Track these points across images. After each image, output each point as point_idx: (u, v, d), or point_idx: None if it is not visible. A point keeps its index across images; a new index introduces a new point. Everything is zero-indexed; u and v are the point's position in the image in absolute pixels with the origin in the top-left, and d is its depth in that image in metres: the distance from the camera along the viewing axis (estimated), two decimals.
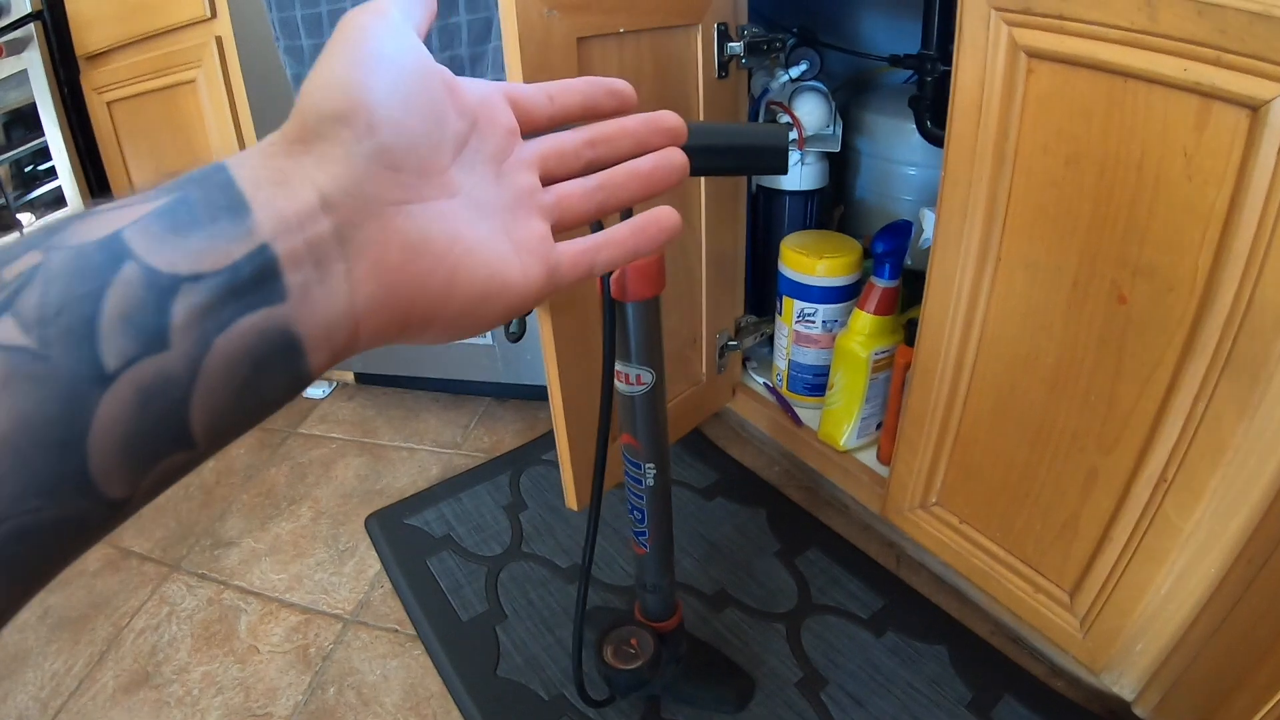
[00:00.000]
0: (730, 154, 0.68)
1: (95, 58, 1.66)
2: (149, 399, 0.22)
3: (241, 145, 1.57)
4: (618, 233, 0.38)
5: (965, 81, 0.87)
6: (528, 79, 0.89)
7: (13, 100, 1.73)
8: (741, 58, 1.18)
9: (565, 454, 1.15)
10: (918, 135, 1.29)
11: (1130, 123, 0.75)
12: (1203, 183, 0.71)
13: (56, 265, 0.22)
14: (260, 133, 1.52)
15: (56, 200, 1.80)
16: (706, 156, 0.69)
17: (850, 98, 1.50)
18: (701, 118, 1.17)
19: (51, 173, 1.76)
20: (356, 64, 0.27)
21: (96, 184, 1.79)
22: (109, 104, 1.68)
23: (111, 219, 0.23)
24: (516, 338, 0.96)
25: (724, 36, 1.15)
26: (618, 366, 0.82)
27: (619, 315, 0.78)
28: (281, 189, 0.25)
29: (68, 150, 1.71)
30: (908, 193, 1.46)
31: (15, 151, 1.81)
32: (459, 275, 0.30)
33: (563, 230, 0.36)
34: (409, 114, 0.28)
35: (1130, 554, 0.88)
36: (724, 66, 1.17)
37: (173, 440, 0.24)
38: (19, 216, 1.90)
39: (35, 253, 0.22)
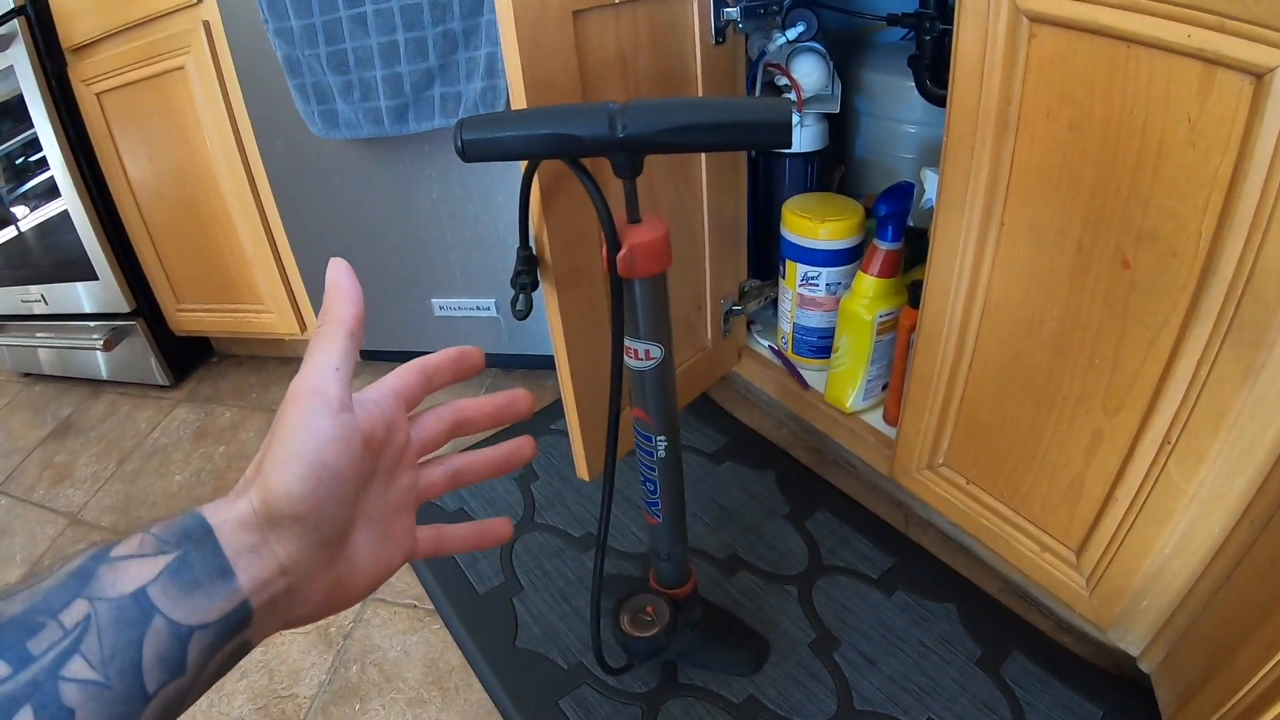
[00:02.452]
0: (731, 131, 0.68)
1: (81, 49, 1.64)
2: (169, 703, 0.34)
3: (236, 132, 1.56)
4: (463, 530, 0.50)
5: (966, 46, 0.87)
6: (524, 55, 0.88)
7: (1, 91, 1.71)
8: (738, 22, 1.16)
9: (575, 425, 1.16)
10: (917, 93, 1.28)
11: (1133, 88, 0.74)
12: (1206, 149, 0.70)
13: (104, 617, 0.32)
14: (254, 116, 1.51)
15: (49, 191, 1.78)
16: (707, 134, 0.69)
17: (848, 57, 1.49)
18: (700, 85, 1.16)
19: (43, 164, 1.75)
20: (306, 476, 0.37)
21: (90, 176, 1.77)
22: (98, 95, 1.66)
23: (134, 573, 0.34)
24: (523, 315, 0.96)
25: (720, 2, 1.14)
26: (626, 342, 0.83)
27: (626, 292, 0.79)
28: (255, 558, 0.36)
29: (59, 144, 1.69)
30: (909, 151, 1.45)
31: (5, 145, 1.80)
32: (358, 587, 0.43)
33: (418, 504, 0.47)
34: (341, 508, 0.39)
35: (1135, 514, 0.89)
36: (720, 32, 1.15)
37: (177, 717, 0.35)
38: (13, 209, 1.89)
39: (82, 602, 0.32)
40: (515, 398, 0.49)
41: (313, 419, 0.38)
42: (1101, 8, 0.73)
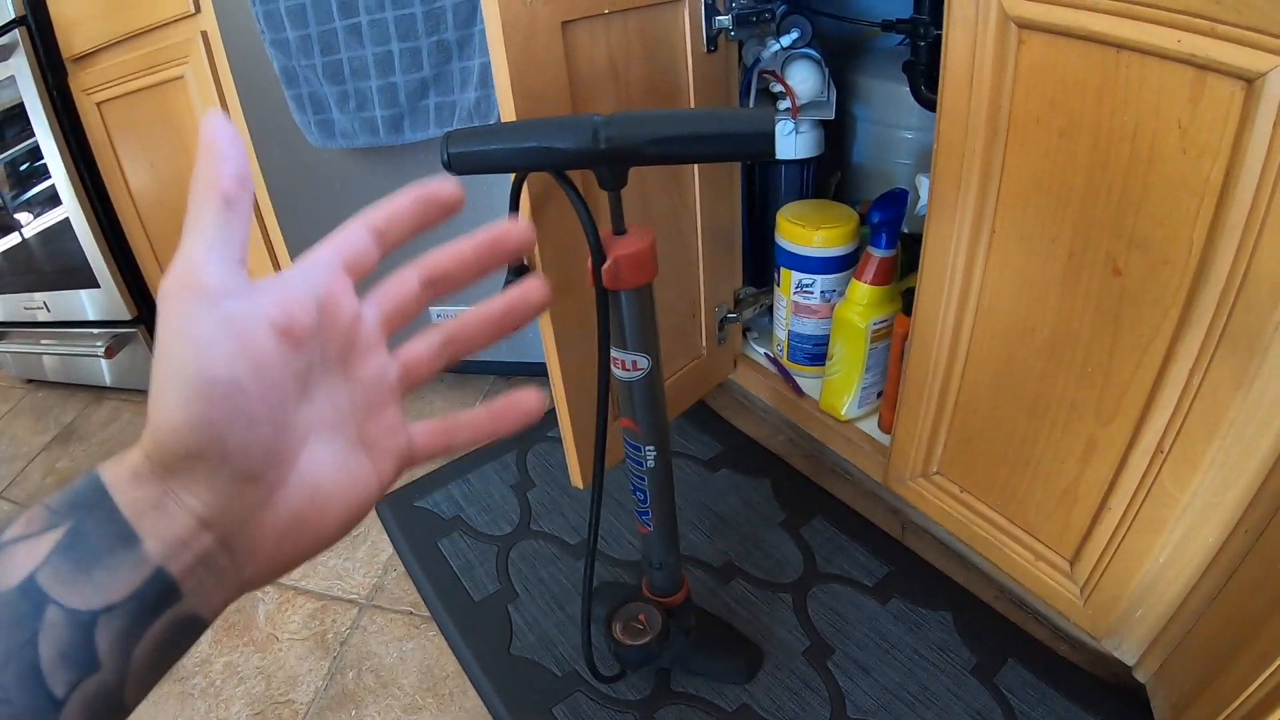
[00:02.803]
0: (715, 142, 0.68)
1: (82, 59, 1.65)
2: (92, 705, 0.27)
3: None
4: (476, 416, 0.38)
5: (956, 52, 0.86)
6: (514, 67, 0.89)
7: (1, 102, 1.72)
8: (730, 30, 1.16)
9: (568, 433, 1.16)
10: (913, 99, 1.28)
11: (1124, 94, 0.74)
12: (1197, 155, 0.70)
13: None
14: (252, 126, 1.51)
15: (51, 199, 1.79)
16: (689, 146, 0.69)
17: (844, 63, 1.49)
18: (692, 93, 1.16)
19: (45, 172, 1.76)
20: (189, 398, 0.28)
21: (91, 184, 1.78)
22: (99, 104, 1.67)
23: (20, 559, 0.27)
24: None
25: (711, 10, 1.13)
26: (613, 353, 0.82)
27: (612, 303, 0.78)
28: (161, 514, 0.29)
29: (60, 153, 1.70)
30: (905, 156, 1.45)
31: (8, 153, 1.81)
32: (325, 518, 0.33)
33: (413, 391, 0.37)
34: (252, 431, 0.29)
35: (1129, 523, 0.89)
36: (712, 40, 1.15)
37: (114, 718, 0.29)
38: (16, 216, 1.90)
39: None
40: (506, 229, 0.37)
41: (187, 320, 0.28)
42: (1091, 14, 0.73)
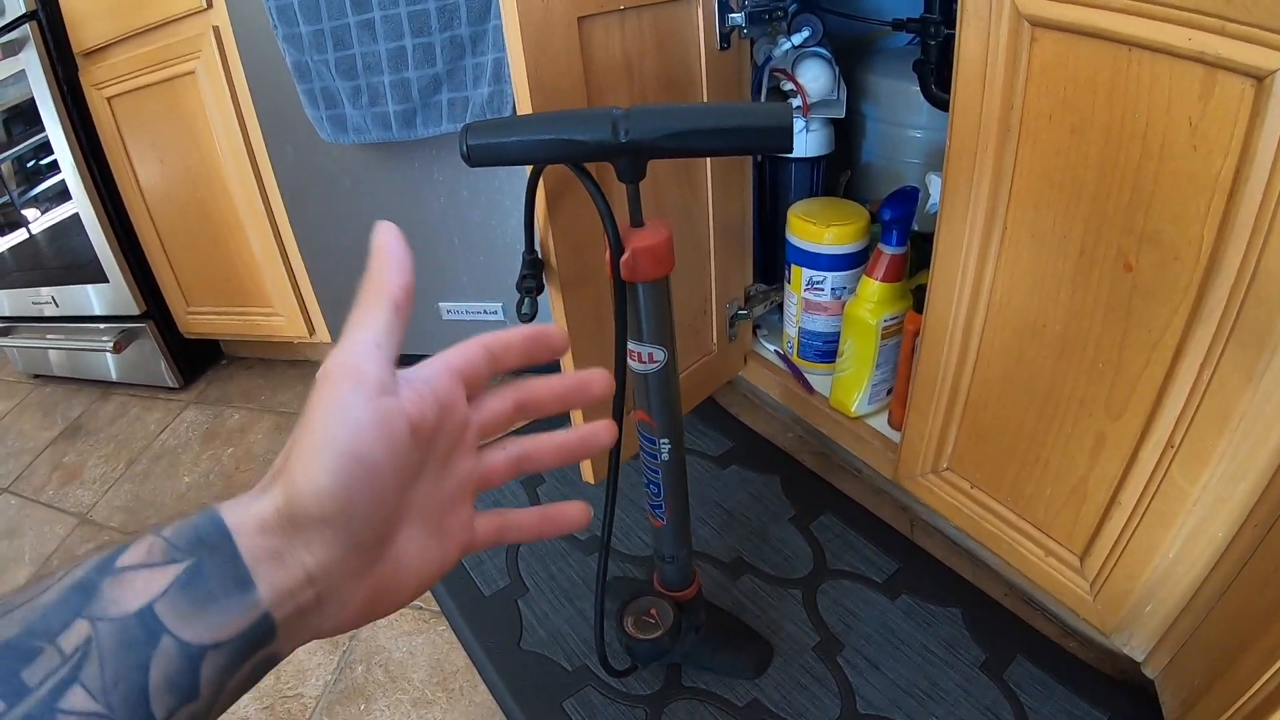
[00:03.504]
0: (733, 135, 0.69)
1: (93, 54, 1.66)
2: None
3: (245, 136, 1.57)
4: (528, 517, 0.43)
5: (968, 50, 0.87)
6: (530, 61, 0.89)
7: (12, 97, 1.73)
8: (743, 28, 1.17)
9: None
10: (922, 99, 1.28)
11: (1135, 92, 0.74)
12: (1208, 152, 0.71)
13: (106, 640, 0.28)
14: (263, 121, 1.52)
15: (60, 194, 1.80)
16: (709, 139, 0.69)
17: (854, 62, 1.49)
18: (705, 90, 1.17)
19: (54, 167, 1.76)
20: (337, 469, 0.32)
21: (101, 179, 1.79)
22: (109, 99, 1.68)
23: (140, 586, 0.30)
24: (528, 319, 0.97)
25: (725, 7, 1.14)
26: (630, 345, 0.83)
27: (629, 296, 0.79)
28: (278, 566, 0.32)
29: (70, 148, 1.71)
30: (915, 156, 1.45)
31: (17, 149, 1.81)
32: (406, 589, 0.37)
33: (479, 492, 0.41)
34: (378, 508, 0.34)
35: (1138, 518, 0.89)
36: (725, 38, 1.16)
37: None
38: (24, 212, 1.91)
39: (83, 623, 0.28)
40: (590, 378, 0.42)
41: (346, 403, 0.33)
42: (1102, 12, 0.74)
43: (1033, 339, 0.94)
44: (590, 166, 0.76)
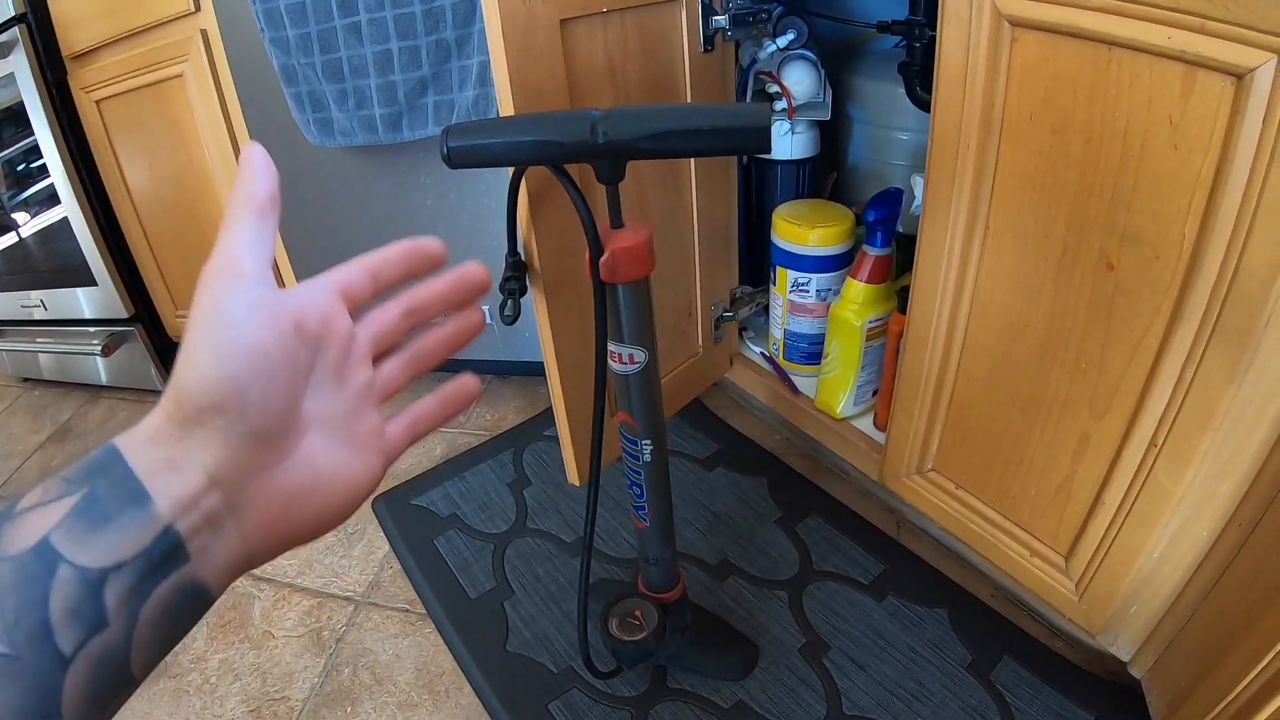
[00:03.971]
0: (711, 136, 0.69)
1: (81, 57, 1.65)
2: (99, 666, 0.29)
3: (233, 139, 1.57)
4: (429, 406, 0.44)
5: (949, 50, 0.87)
6: (513, 63, 0.89)
7: (2, 99, 1.72)
8: (727, 30, 1.17)
9: (565, 430, 1.16)
10: (909, 101, 1.28)
11: (1115, 91, 0.74)
12: (1188, 151, 0.71)
13: (6, 579, 0.27)
14: (251, 124, 1.51)
15: (50, 198, 1.79)
16: (686, 140, 0.69)
17: (840, 65, 1.49)
18: (689, 92, 1.17)
19: (43, 170, 1.76)
20: (223, 354, 0.32)
21: (90, 183, 1.79)
22: (98, 102, 1.67)
23: (36, 522, 0.29)
24: (511, 320, 0.97)
25: (708, 10, 1.14)
26: (610, 346, 0.83)
27: (610, 297, 0.79)
28: (174, 473, 0.31)
29: (59, 151, 1.70)
30: (901, 158, 1.45)
31: (6, 152, 1.81)
32: (324, 500, 0.37)
33: (385, 400, 0.42)
34: (270, 392, 0.33)
35: (1123, 517, 0.89)
36: (709, 40, 1.16)
37: (121, 687, 0.30)
38: (14, 216, 1.90)
39: None
40: (466, 270, 0.43)
41: (227, 293, 0.33)
42: (1082, 11, 0.74)
43: (1016, 339, 0.94)
44: (571, 168, 0.76)
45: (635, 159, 0.71)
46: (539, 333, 1.07)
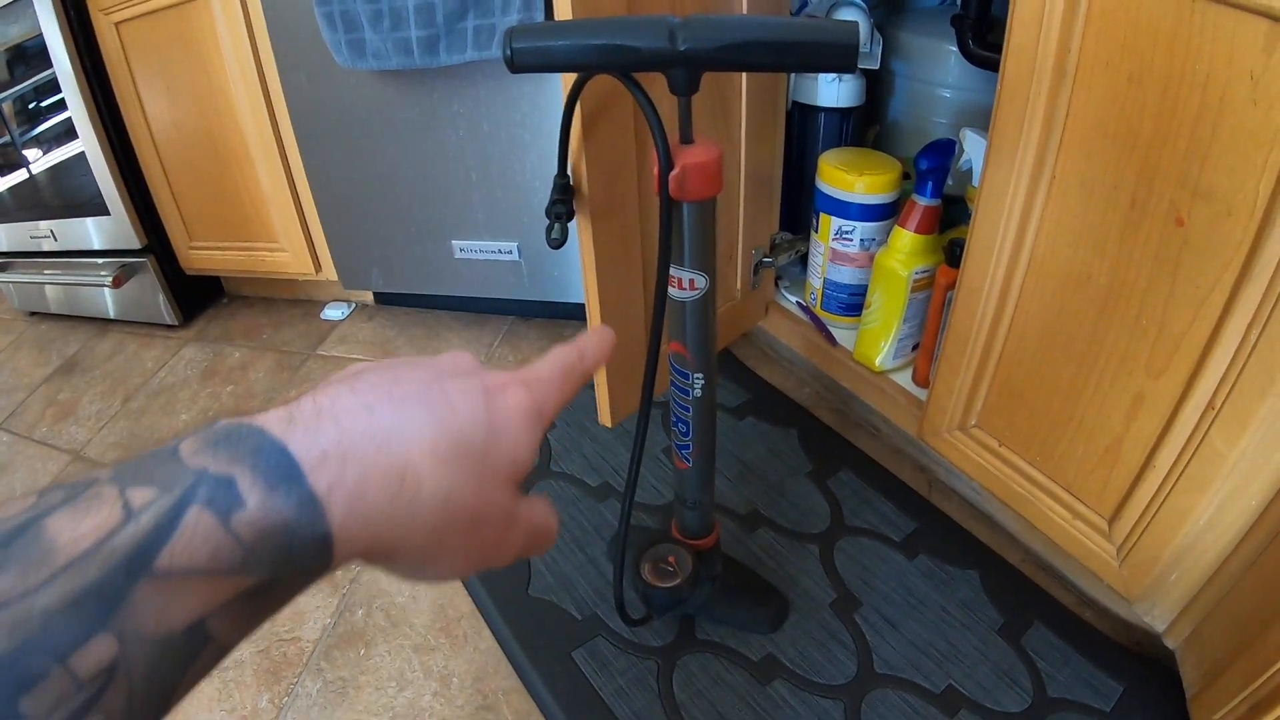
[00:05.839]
0: (796, 50, 0.66)
1: None
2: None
3: (258, 63, 1.52)
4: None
5: None
6: None
7: (14, 35, 1.67)
8: None
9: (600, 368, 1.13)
10: (954, 57, 1.25)
11: (1197, 42, 0.72)
12: (1268, 107, 0.68)
13: (139, 661, 0.23)
14: (278, 47, 1.47)
15: (67, 133, 1.75)
16: (770, 53, 0.66)
17: (883, 18, 1.46)
18: (744, 10, 1.13)
19: (55, 108, 1.71)
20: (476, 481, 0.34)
21: (107, 110, 1.74)
22: (117, 25, 1.62)
23: (190, 601, 0.24)
24: (558, 244, 0.94)
25: None
26: (671, 271, 0.80)
27: (675, 216, 0.76)
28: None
29: (75, 76, 1.65)
30: (942, 115, 1.42)
31: (19, 87, 1.76)
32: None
33: None
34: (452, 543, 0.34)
35: (1173, 482, 0.88)
36: None
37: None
38: (25, 153, 1.86)
39: (107, 639, 0.22)
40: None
41: (526, 432, 0.36)
42: None
43: (1075, 292, 0.91)
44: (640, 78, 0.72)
45: (713, 69, 0.68)
46: (581, 260, 1.04)
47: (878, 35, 1.32)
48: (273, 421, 0.29)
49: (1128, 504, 0.94)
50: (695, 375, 0.87)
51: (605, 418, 1.17)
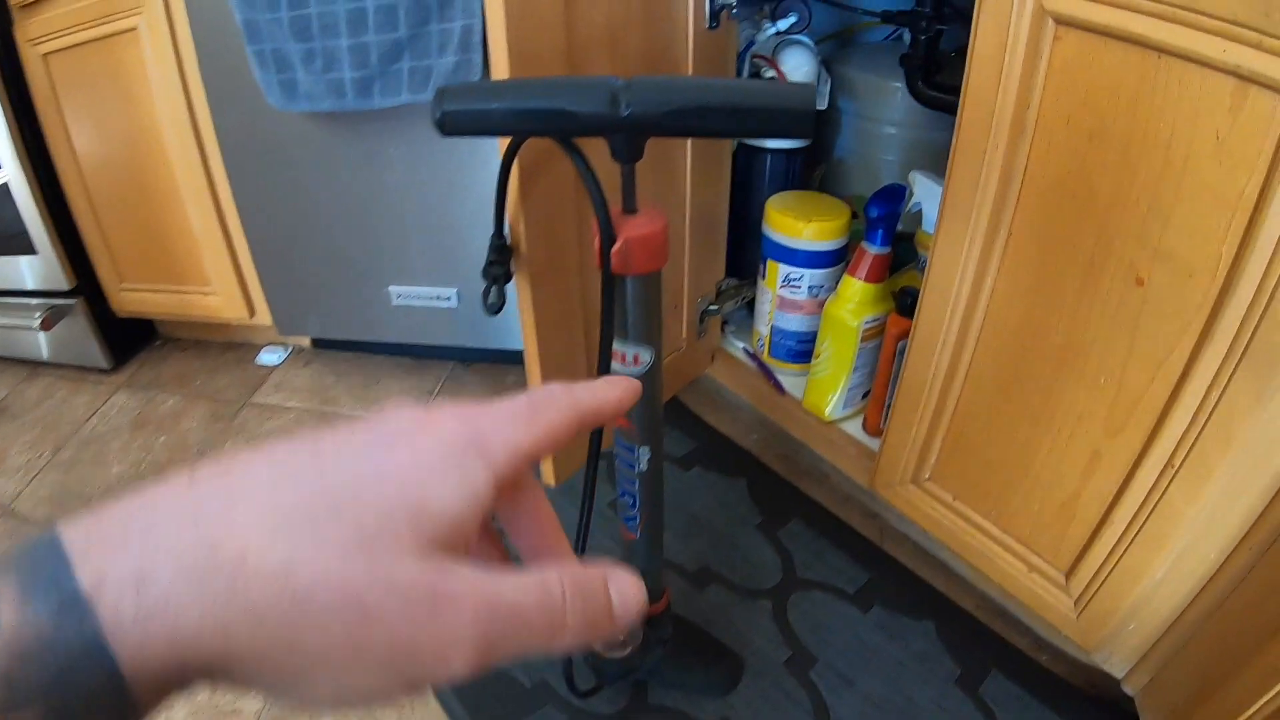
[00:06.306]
0: (748, 116, 0.62)
1: (29, 6, 1.50)
2: None
3: (188, 100, 1.45)
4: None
5: (984, 44, 0.82)
6: (512, 24, 0.83)
7: None
8: (733, 7, 1.10)
9: None
10: (901, 95, 1.24)
11: (1161, 101, 0.71)
12: (1233, 167, 0.68)
13: None
14: (209, 85, 1.40)
15: None
16: (720, 119, 0.63)
17: (832, 53, 1.45)
18: (690, 71, 1.11)
19: None
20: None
21: (33, 144, 1.65)
22: (45, 56, 1.54)
23: None
24: (496, 309, 0.90)
25: None
26: (614, 345, 0.76)
27: (617, 290, 0.72)
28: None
29: (2, 110, 1.57)
30: (890, 153, 1.41)
31: None
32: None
33: None
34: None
35: (1131, 536, 0.87)
36: (715, 16, 1.10)
37: None
38: None
39: None
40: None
41: (473, 469, 0.26)
42: (1134, 14, 0.70)
43: (1031, 350, 0.90)
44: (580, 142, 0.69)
45: (659, 136, 0.64)
46: (521, 323, 1.01)
47: (826, 75, 1.31)
48: (79, 518, 0.22)
49: (1085, 558, 0.94)
50: (641, 449, 0.83)
51: (549, 476, 1.14)
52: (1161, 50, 0.69)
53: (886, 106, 1.37)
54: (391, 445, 0.26)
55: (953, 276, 0.94)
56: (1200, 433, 0.78)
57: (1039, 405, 0.92)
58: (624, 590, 0.28)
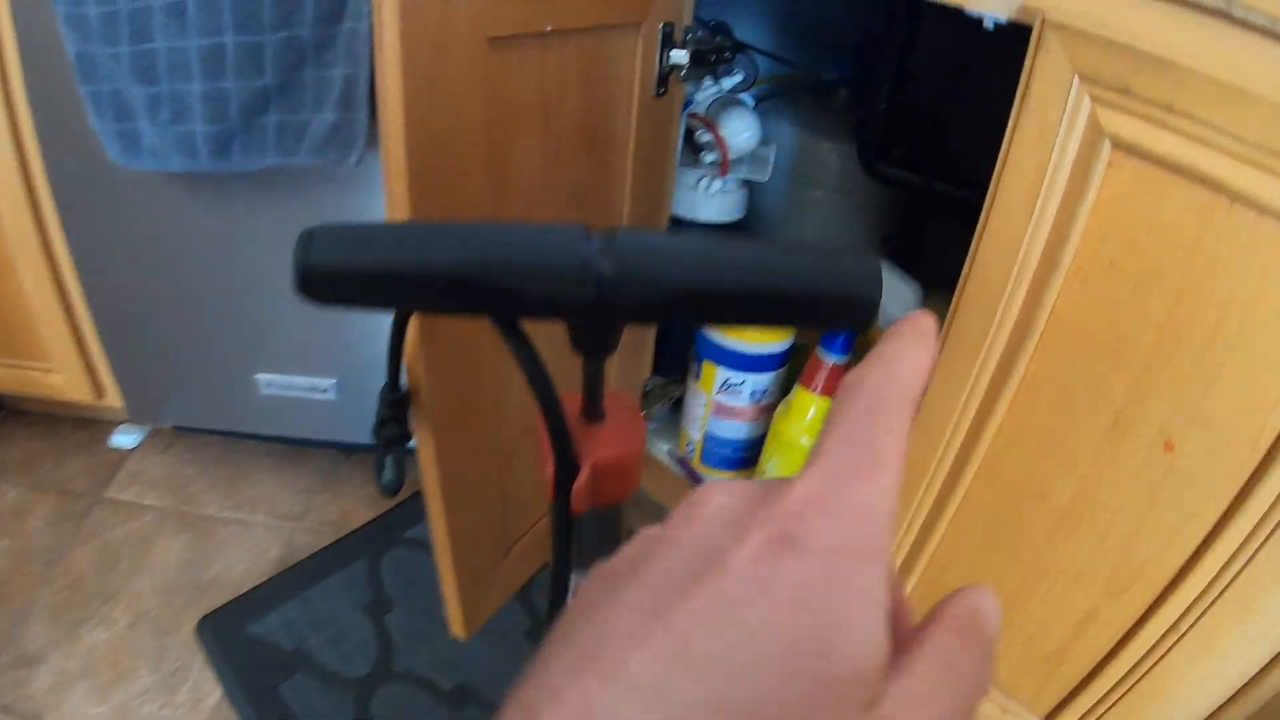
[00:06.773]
0: (799, 305, 0.37)
1: None
2: None
3: (18, 148, 1.15)
4: None
5: (1021, 161, 0.71)
6: (411, 93, 0.65)
7: None
8: (683, 70, 0.95)
9: (450, 576, 0.94)
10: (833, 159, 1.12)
11: (1225, 251, 0.62)
12: None
13: None
14: (41, 128, 1.09)
15: None
16: (758, 307, 0.37)
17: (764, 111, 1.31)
18: (631, 144, 0.95)
19: None
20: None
21: None
22: None
23: None
24: (393, 489, 0.72)
25: (668, 40, 0.93)
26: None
27: (576, 528, 0.52)
28: None
29: None
30: (834, 223, 1.29)
31: None
32: None
33: None
34: None
35: (1122, 692, 0.82)
36: (663, 80, 0.95)
37: None
38: None
39: None
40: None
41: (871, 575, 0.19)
42: (1209, 150, 0.61)
43: (1031, 503, 0.81)
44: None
45: (646, 321, 0.40)
46: (424, 480, 0.83)
47: (772, 142, 1.18)
48: None
49: (1065, 709, 0.88)
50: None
51: (458, 628, 0.96)
52: (1234, 195, 0.60)
53: (823, 170, 1.24)
54: (753, 597, 0.18)
55: (948, 419, 0.83)
56: (1215, 601, 0.72)
57: (1032, 559, 0.84)
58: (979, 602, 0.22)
